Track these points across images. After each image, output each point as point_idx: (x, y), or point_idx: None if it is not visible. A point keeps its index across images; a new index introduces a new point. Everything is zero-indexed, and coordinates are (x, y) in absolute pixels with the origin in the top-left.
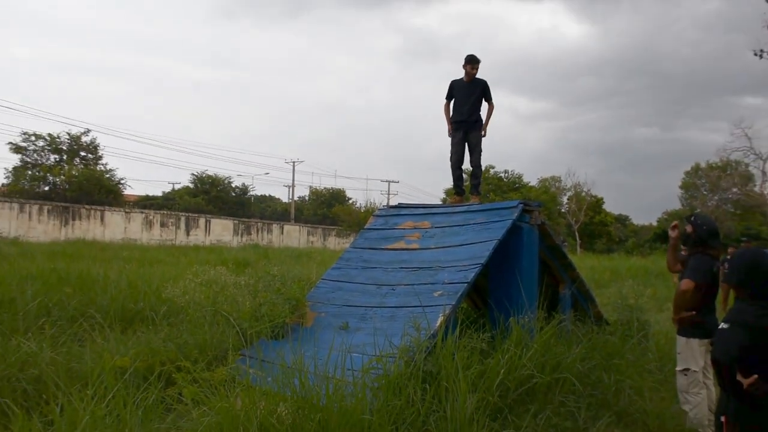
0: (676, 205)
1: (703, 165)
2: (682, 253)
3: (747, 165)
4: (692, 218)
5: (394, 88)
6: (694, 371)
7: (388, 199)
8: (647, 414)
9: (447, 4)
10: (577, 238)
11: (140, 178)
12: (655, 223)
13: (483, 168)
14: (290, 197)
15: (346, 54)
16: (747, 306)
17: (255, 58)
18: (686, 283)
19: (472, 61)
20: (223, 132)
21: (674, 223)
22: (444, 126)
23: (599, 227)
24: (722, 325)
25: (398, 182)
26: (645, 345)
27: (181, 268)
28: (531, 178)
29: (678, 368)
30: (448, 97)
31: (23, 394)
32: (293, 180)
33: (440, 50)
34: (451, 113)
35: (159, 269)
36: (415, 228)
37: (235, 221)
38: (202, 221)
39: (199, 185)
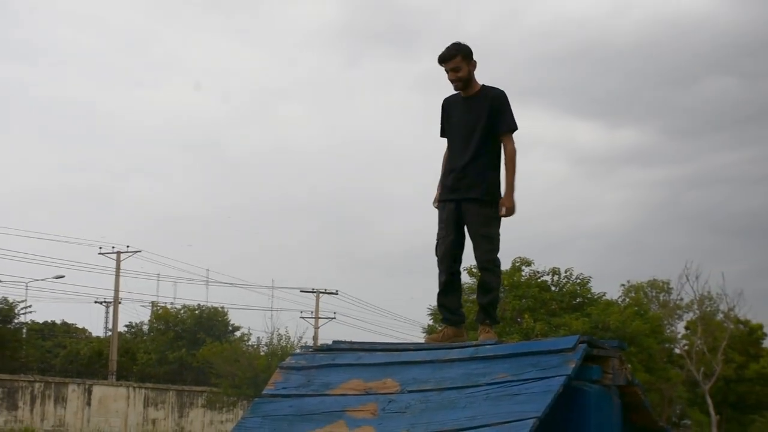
0: None
1: None
2: None
3: None
4: None
5: (323, 108)
6: None
7: (316, 329)
8: None
9: None
10: (712, 411)
11: None
12: None
13: (501, 269)
14: (108, 326)
15: (228, 34)
16: None
17: (42, 44)
18: None
19: (446, 58)
20: None
21: None
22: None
23: (757, 387)
24: None
25: (336, 293)
26: None
27: None
28: (607, 287)
29: None
30: (444, 134)
31: None
32: (117, 291)
33: (416, 33)
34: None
35: None
36: (369, 392)
37: None
38: None
39: None
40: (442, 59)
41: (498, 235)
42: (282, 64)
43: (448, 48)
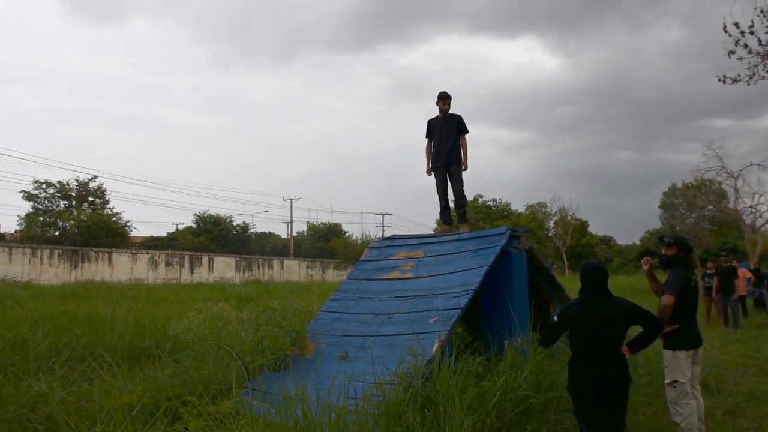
0: (656, 224)
1: (679, 185)
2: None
3: (720, 183)
4: (673, 240)
5: (383, 126)
6: (682, 383)
7: (383, 231)
8: (640, 428)
9: (428, 44)
10: (565, 261)
11: (145, 220)
12: (638, 242)
13: (468, 197)
14: (289, 233)
15: (336, 95)
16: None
17: (250, 103)
18: (667, 299)
19: (443, 98)
20: (223, 173)
21: (645, 259)
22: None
23: (585, 249)
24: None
25: (392, 215)
26: (635, 360)
27: (185, 306)
28: (518, 206)
29: (666, 381)
30: (428, 136)
31: None
32: (291, 217)
33: (424, 88)
34: (432, 152)
35: (164, 307)
36: (409, 258)
37: (237, 258)
38: (205, 259)
39: (201, 225)
40: (446, 97)
41: (463, 180)
42: (362, 105)
43: (447, 94)
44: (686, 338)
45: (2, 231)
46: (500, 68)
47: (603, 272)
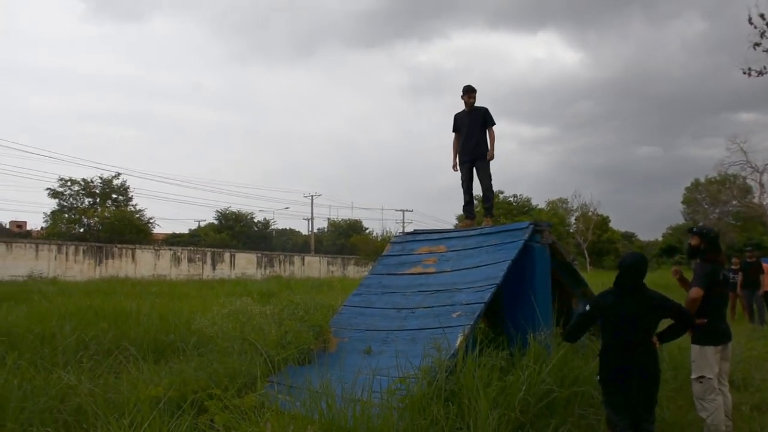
0: (679, 219)
1: (702, 180)
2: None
3: (744, 178)
4: (696, 230)
5: (403, 123)
6: (709, 378)
7: (403, 227)
8: (665, 423)
9: (447, 40)
10: (587, 257)
11: (168, 217)
12: (660, 238)
13: (494, 192)
14: (310, 230)
15: (355, 92)
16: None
17: (269, 100)
18: (695, 291)
19: (468, 91)
20: (244, 171)
21: (674, 270)
22: (450, 159)
23: (607, 245)
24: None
25: (412, 211)
26: (659, 355)
27: (208, 301)
28: (539, 201)
29: (693, 376)
30: (455, 131)
31: (64, 425)
32: (312, 213)
33: (444, 84)
34: (460, 146)
35: (188, 302)
36: (431, 252)
37: (259, 255)
38: (227, 256)
39: (223, 222)
40: (471, 90)
41: (491, 173)
42: (381, 102)
43: (472, 87)
44: (715, 333)
45: (29, 228)
46: (519, 64)
47: (639, 267)
